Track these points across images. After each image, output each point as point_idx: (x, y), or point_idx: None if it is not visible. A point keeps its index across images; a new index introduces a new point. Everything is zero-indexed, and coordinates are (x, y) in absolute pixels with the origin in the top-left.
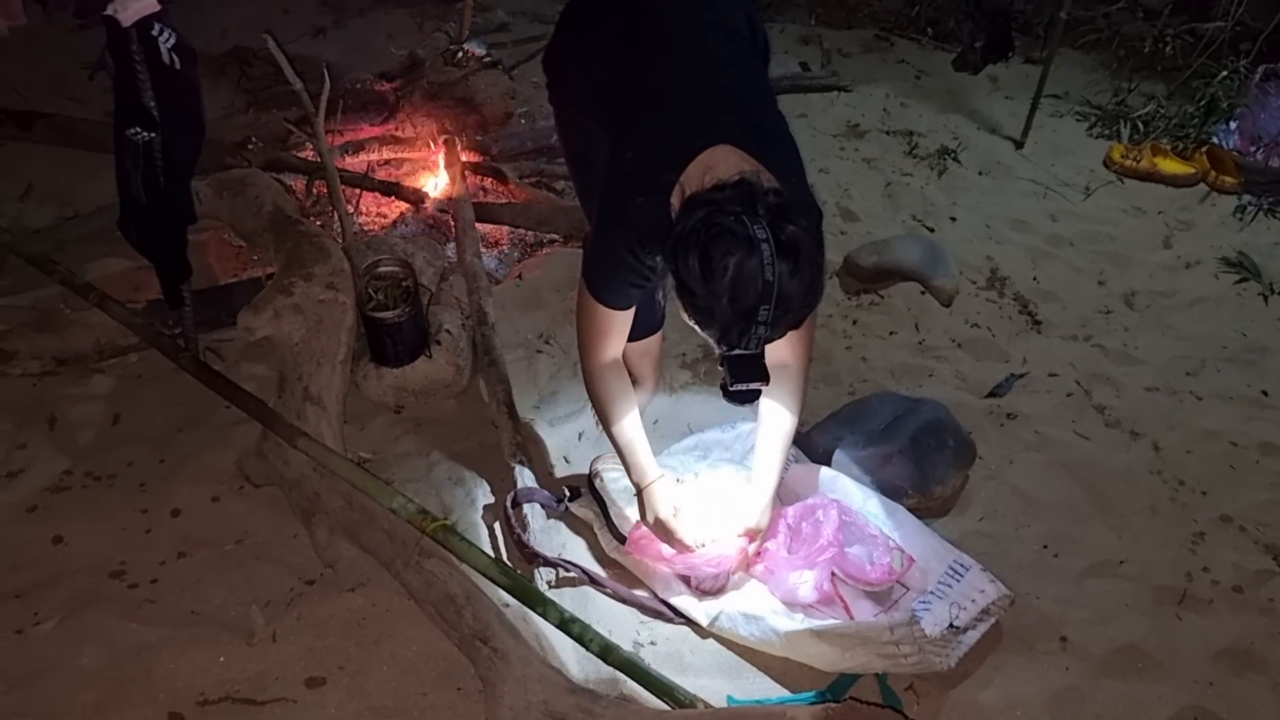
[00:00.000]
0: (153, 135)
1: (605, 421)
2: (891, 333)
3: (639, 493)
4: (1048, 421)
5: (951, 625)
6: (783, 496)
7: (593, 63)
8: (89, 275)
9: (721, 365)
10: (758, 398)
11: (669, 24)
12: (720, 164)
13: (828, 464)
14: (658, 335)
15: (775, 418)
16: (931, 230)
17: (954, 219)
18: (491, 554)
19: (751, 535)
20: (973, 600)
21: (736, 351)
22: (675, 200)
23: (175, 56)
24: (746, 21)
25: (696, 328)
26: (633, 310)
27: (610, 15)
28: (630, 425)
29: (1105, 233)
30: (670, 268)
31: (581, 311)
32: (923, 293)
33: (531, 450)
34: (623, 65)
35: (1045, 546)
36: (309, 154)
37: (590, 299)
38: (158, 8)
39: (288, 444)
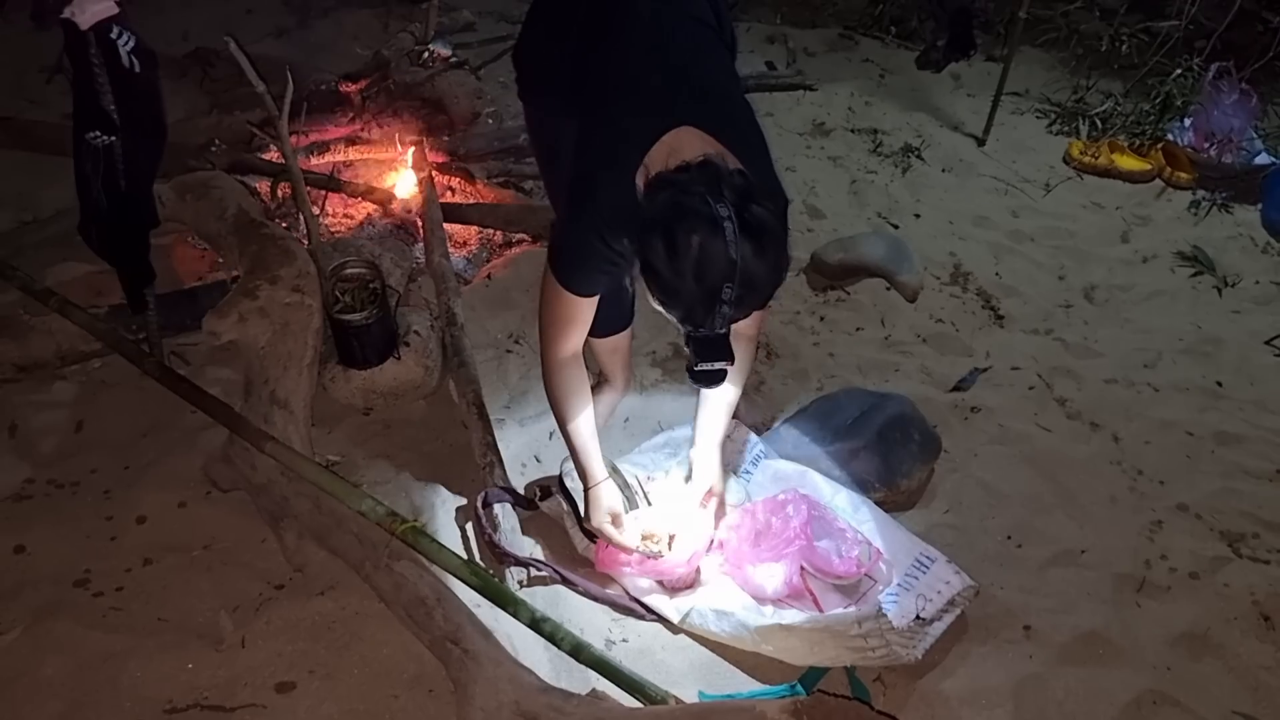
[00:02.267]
0: (112, 139)
1: (560, 419)
2: (858, 329)
3: (585, 493)
4: (1011, 414)
5: (918, 617)
6: (751, 493)
7: (560, 54)
8: (49, 280)
9: (686, 345)
10: (724, 379)
11: (635, 13)
12: (685, 146)
13: (792, 457)
14: (627, 332)
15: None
16: (896, 227)
17: (918, 215)
18: (463, 555)
19: (709, 496)
20: (938, 592)
21: (701, 332)
22: (640, 181)
23: (135, 59)
24: (712, 12)
25: (661, 309)
26: (596, 300)
27: (578, 5)
28: (584, 425)
29: (1065, 228)
30: (635, 248)
31: (546, 299)
32: (888, 289)
33: (502, 450)
34: (589, 53)
35: (1009, 538)
36: (273, 155)
37: (556, 285)
38: (116, 10)
39: (255, 448)
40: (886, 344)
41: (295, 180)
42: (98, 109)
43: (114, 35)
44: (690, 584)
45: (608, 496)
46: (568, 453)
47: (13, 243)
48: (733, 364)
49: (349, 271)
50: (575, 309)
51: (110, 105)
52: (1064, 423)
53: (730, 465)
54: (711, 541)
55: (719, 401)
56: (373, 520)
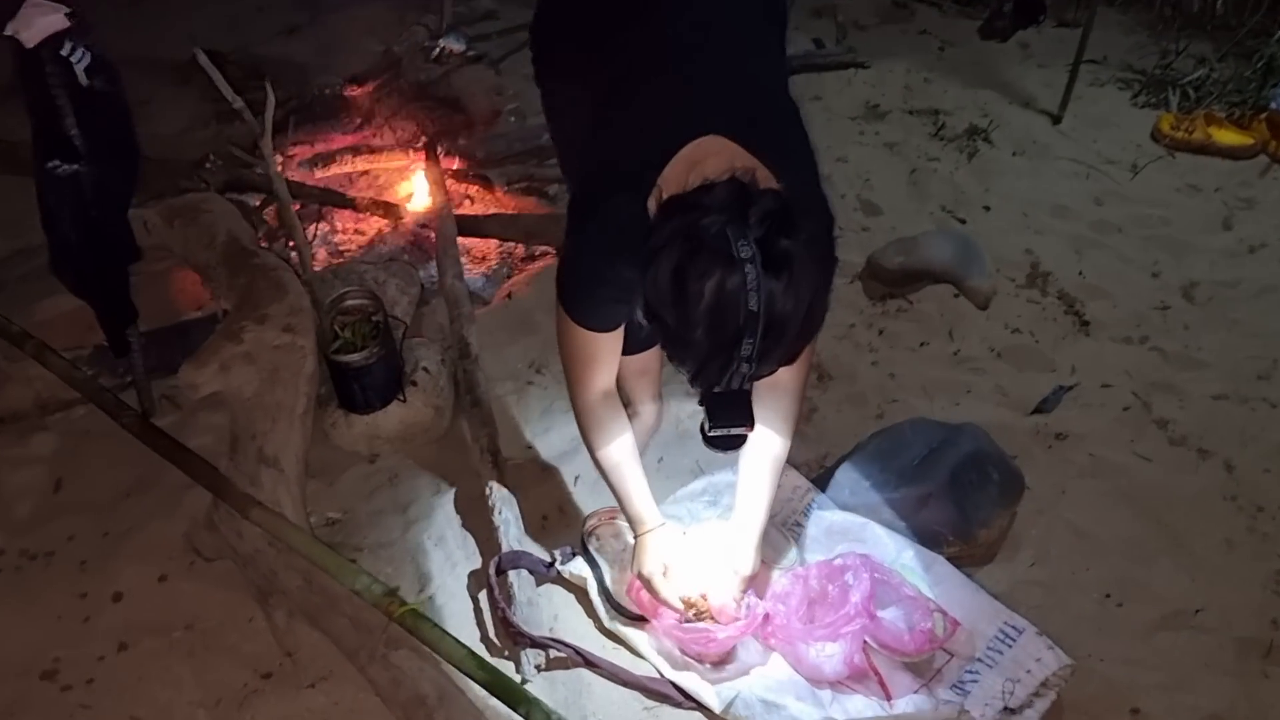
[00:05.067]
0: (77, 167)
1: (599, 463)
2: (922, 343)
3: (635, 540)
4: (1103, 441)
5: (1006, 708)
6: (803, 548)
7: (584, 32)
8: (36, 316)
9: (700, 403)
10: (742, 444)
11: None
12: (710, 159)
13: (850, 507)
14: (656, 351)
15: (760, 441)
16: (963, 222)
17: (988, 208)
18: (476, 629)
19: (746, 583)
20: (1028, 671)
21: (716, 390)
22: (652, 203)
23: (93, 77)
24: None
25: (669, 360)
26: (621, 331)
27: None
28: (627, 466)
29: (1157, 215)
30: (641, 287)
31: (561, 335)
32: (956, 296)
33: (521, 500)
34: (617, 33)
35: (1108, 596)
36: (282, 168)
37: (567, 320)
38: (66, 24)
39: (240, 515)
40: (955, 360)
41: (283, 205)
42: (58, 135)
43: (65, 52)
44: (725, 658)
45: (663, 544)
46: (590, 511)
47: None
48: (752, 428)
49: (349, 304)
50: (594, 346)
51: (73, 130)
52: (1166, 450)
53: (777, 518)
54: (757, 616)
55: (761, 458)
56: (369, 601)
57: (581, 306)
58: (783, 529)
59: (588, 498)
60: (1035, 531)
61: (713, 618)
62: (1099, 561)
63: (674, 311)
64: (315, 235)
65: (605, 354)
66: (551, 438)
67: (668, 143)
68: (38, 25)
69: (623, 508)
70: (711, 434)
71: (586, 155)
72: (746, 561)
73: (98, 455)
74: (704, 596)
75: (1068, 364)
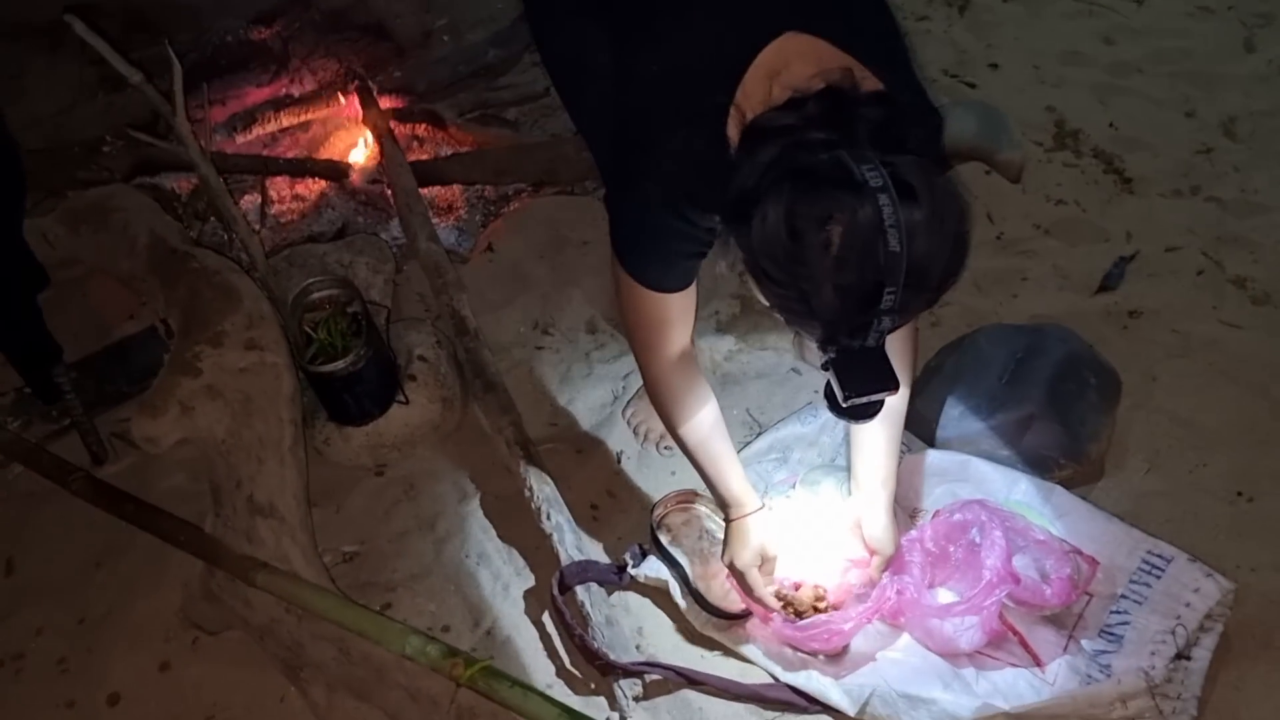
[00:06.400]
0: None
1: (681, 441)
2: None
3: (726, 528)
4: (1182, 313)
5: (1179, 655)
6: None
7: None
8: None
9: (824, 368)
10: (880, 410)
11: None
12: (793, 63)
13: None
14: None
15: None
16: (972, 86)
17: (994, 66)
18: (550, 662)
19: (871, 573)
20: (1187, 605)
21: (847, 349)
22: (732, 130)
23: None
24: None
25: (783, 321)
26: (693, 289)
27: None
28: (715, 442)
29: (1175, 47)
30: (735, 239)
31: (624, 300)
32: (987, 173)
33: (563, 492)
34: None
35: (1240, 493)
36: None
37: (631, 283)
38: None
39: (243, 582)
40: (1001, 245)
41: (216, 194)
42: None
43: None
44: (838, 651)
45: (762, 530)
46: (656, 499)
47: None
48: (896, 390)
49: (316, 295)
50: (666, 308)
51: None
52: (1252, 312)
53: None
54: (888, 596)
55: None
56: (424, 665)
57: (651, 268)
58: None
59: (637, 475)
60: (1138, 431)
61: (830, 607)
62: (1216, 454)
63: (791, 268)
64: (248, 212)
65: (679, 314)
66: (578, 409)
67: (737, 52)
68: None
69: (712, 490)
70: (847, 404)
71: (623, 99)
72: (887, 538)
73: (50, 521)
74: (817, 587)
75: (1121, 230)
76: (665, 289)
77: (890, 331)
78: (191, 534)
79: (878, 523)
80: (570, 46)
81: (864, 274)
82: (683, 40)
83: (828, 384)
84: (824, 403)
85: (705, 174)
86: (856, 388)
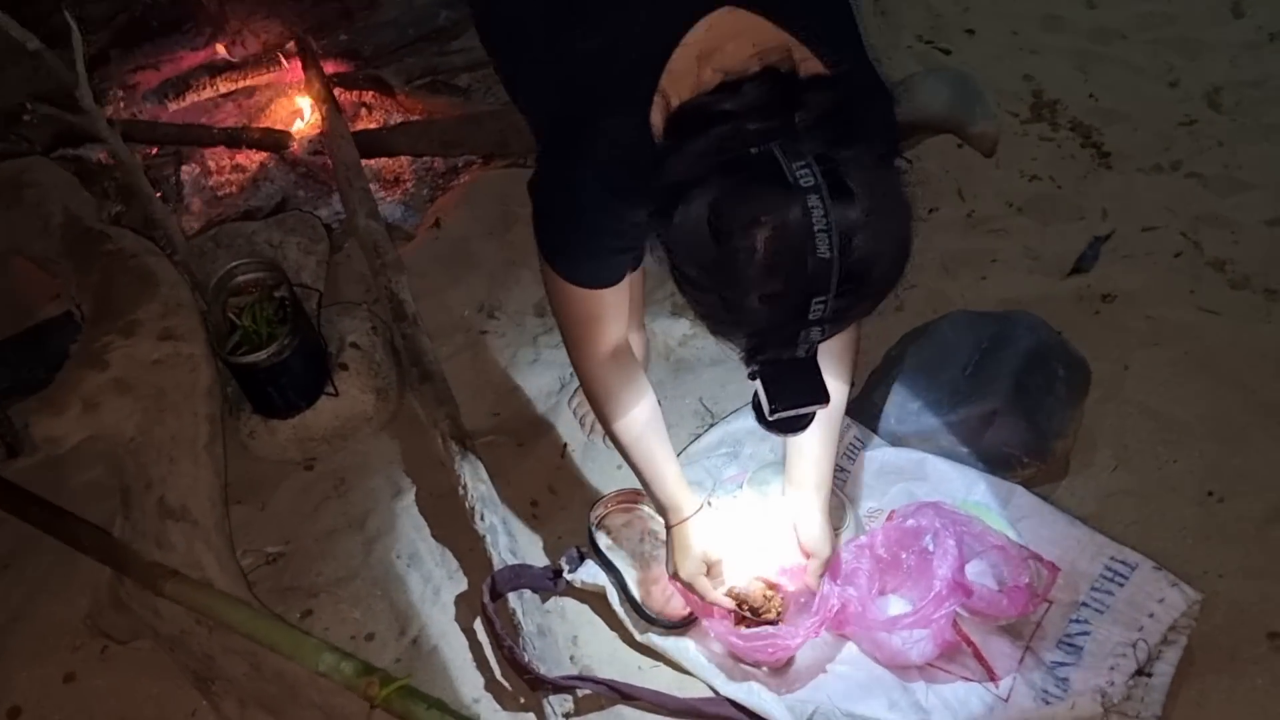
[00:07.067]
0: None
1: (616, 439)
2: (931, 210)
3: (668, 534)
4: (1158, 297)
5: (1139, 671)
6: (856, 497)
7: None
8: None
9: (751, 377)
10: (810, 423)
11: None
12: (728, 44)
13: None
14: (637, 273)
15: None
16: (947, 53)
17: (970, 31)
18: (480, 674)
19: (808, 579)
20: (1150, 615)
21: (775, 360)
22: (657, 118)
23: None
24: None
25: (707, 331)
26: (626, 282)
27: None
28: (650, 440)
29: (1159, 11)
30: (659, 239)
31: (552, 295)
32: (959, 146)
33: (503, 487)
34: None
35: (1210, 493)
36: (121, 106)
37: (559, 280)
38: None
39: (150, 591)
40: (971, 224)
41: (128, 170)
42: None
43: None
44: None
45: (704, 535)
46: (596, 499)
47: None
48: (826, 404)
49: (241, 279)
50: (595, 304)
51: None
52: (1230, 296)
53: None
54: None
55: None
56: (339, 682)
57: (576, 264)
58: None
59: (581, 470)
60: (1107, 424)
61: (778, 613)
62: (1186, 450)
63: (713, 273)
64: (185, 182)
65: (612, 309)
66: (523, 397)
67: (664, 30)
68: None
69: (649, 492)
70: (774, 417)
71: (551, 82)
72: (823, 540)
73: None
74: (773, 586)
75: (1097, 208)
76: (596, 285)
77: (822, 341)
78: (98, 539)
79: (813, 525)
80: (506, 16)
81: (792, 282)
82: (609, 17)
83: (755, 394)
84: None
85: (633, 167)
86: (784, 401)
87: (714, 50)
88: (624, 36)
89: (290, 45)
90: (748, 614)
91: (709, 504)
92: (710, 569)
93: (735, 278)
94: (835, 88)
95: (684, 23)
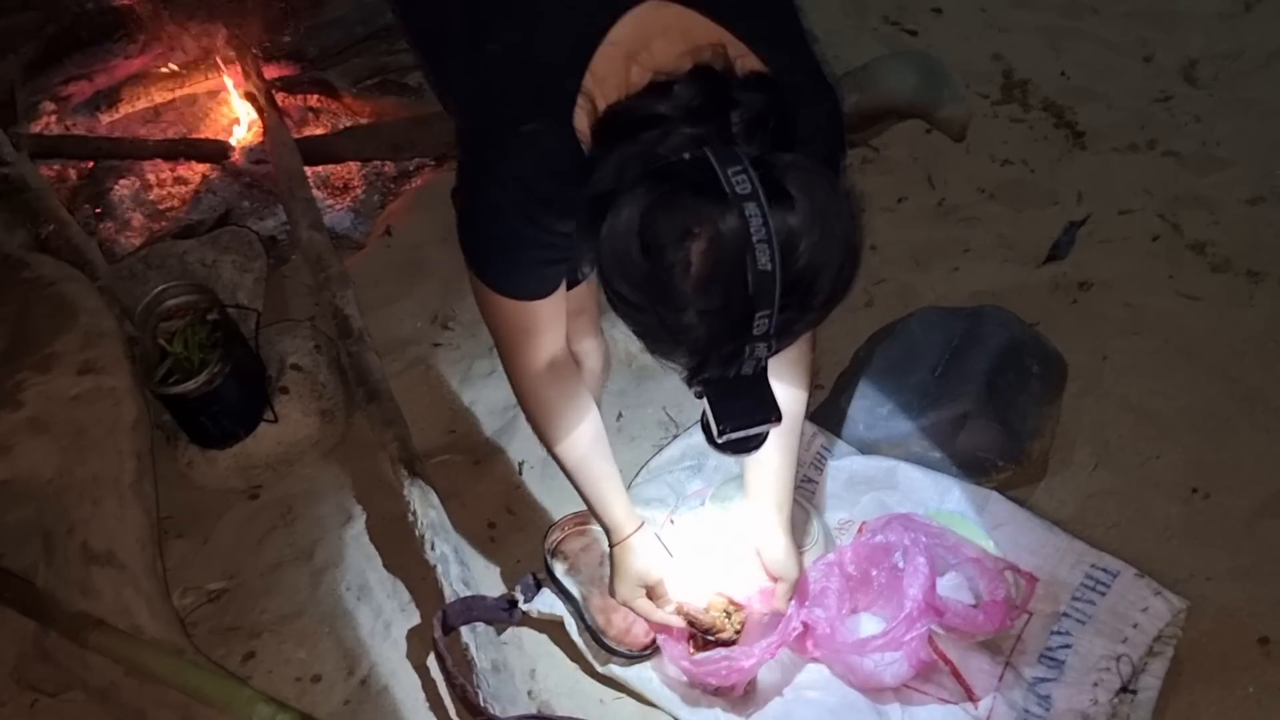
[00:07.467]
0: None
1: (558, 460)
2: (900, 199)
3: (610, 553)
4: (1136, 284)
5: (1124, 689)
6: (824, 508)
7: None
8: None
9: (698, 397)
10: (762, 444)
11: None
12: (656, 40)
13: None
14: (591, 285)
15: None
16: (913, 34)
17: (938, 10)
18: (433, 715)
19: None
20: (1134, 626)
21: (720, 380)
22: (581, 122)
23: None
24: None
25: (650, 353)
26: (559, 293)
27: None
28: (593, 461)
29: None
30: (588, 255)
31: (483, 308)
32: (928, 131)
33: (457, 510)
34: None
35: (1194, 490)
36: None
37: (488, 291)
38: None
39: (74, 643)
40: (942, 213)
41: (39, 193)
42: None
43: None
44: (754, 684)
45: (640, 556)
46: (551, 522)
47: None
48: (778, 422)
49: (171, 303)
50: (527, 316)
51: None
52: (1211, 280)
53: None
54: (792, 628)
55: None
56: None
57: (502, 276)
58: (797, 497)
59: (539, 487)
60: (1086, 420)
61: (736, 633)
62: (1169, 444)
63: (646, 289)
64: (124, 197)
65: (545, 321)
66: (479, 412)
67: (582, 28)
68: None
69: (592, 513)
70: (723, 439)
71: (473, 83)
72: (788, 563)
73: None
74: (735, 605)
75: (1071, 191)
76: (526, 297)
77: (770, 357)
78: (18, 588)
79: (776, 549)
80: (424, 15)
81: (731, 297)
82: (519, 15)
83: (703, 414)
84: None
85: (559, 175)
86: (733, 421)
87: (641, 48)
88: (538, 36)
89: (227, 50)
90: (700, 635)
91: (671, 521)
92: (652, 589)
93: (669, 294)
94: (774, 87)
95: (605, 19)
